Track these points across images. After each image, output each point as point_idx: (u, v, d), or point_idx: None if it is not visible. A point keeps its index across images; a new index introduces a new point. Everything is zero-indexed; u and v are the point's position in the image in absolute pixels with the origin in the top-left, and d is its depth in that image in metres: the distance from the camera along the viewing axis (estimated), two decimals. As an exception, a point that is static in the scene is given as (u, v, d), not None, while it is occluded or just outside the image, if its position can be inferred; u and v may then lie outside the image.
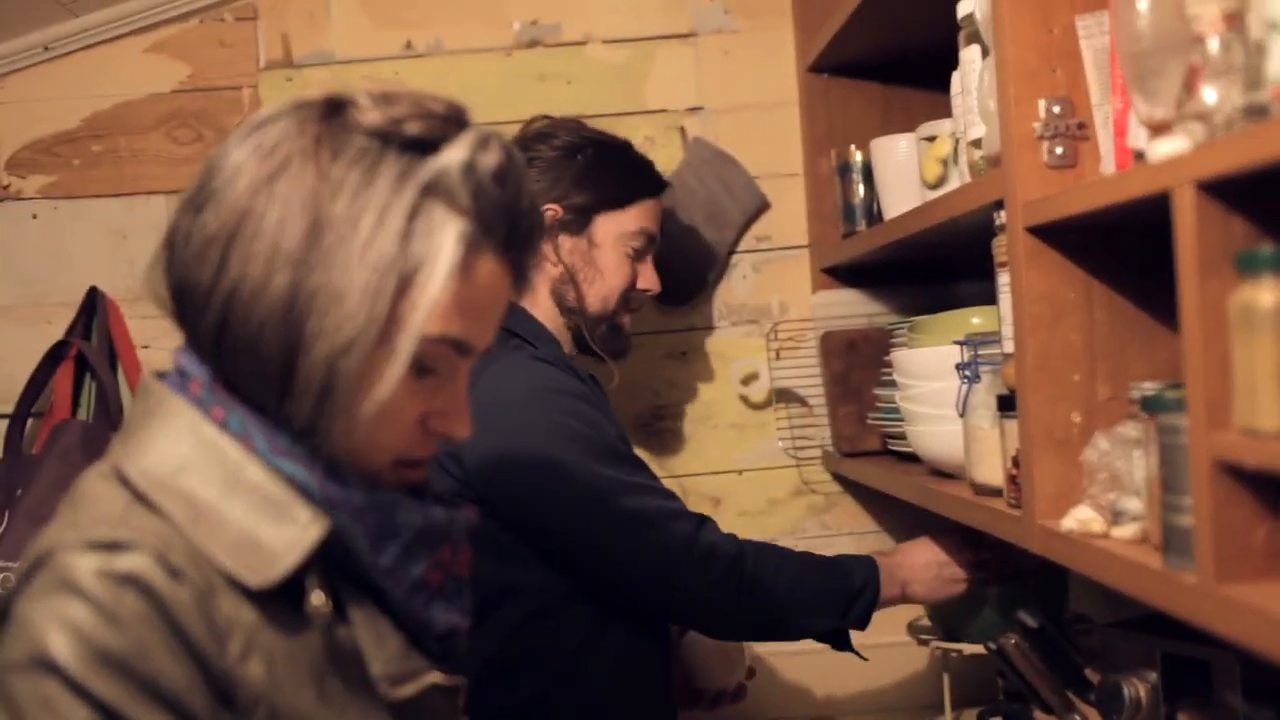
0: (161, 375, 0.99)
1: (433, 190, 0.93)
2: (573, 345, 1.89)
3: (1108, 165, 1.23)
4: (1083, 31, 1.25)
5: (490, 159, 0.95)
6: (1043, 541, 1.28)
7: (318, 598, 0.94)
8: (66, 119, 2.24)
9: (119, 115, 2.25)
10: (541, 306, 1.85)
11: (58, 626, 0.85)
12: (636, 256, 1.89)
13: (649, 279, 1.92)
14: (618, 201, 1.86)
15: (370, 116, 0.94)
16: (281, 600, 0.94)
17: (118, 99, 2.25)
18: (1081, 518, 1.21)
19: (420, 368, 0.96)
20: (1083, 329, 1.28)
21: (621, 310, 1.90)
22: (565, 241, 1.85)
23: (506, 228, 0.97)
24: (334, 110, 0.95)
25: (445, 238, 0.93)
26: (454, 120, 0.97)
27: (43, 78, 2.24)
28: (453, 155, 0.94)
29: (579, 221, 1.86)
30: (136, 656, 0.86)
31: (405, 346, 0.92)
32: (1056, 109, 1.26)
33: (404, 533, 0.98)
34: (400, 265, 0.91)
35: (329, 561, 0.97)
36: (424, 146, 0.94)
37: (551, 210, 1.83)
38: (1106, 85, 1.23)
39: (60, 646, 0.85)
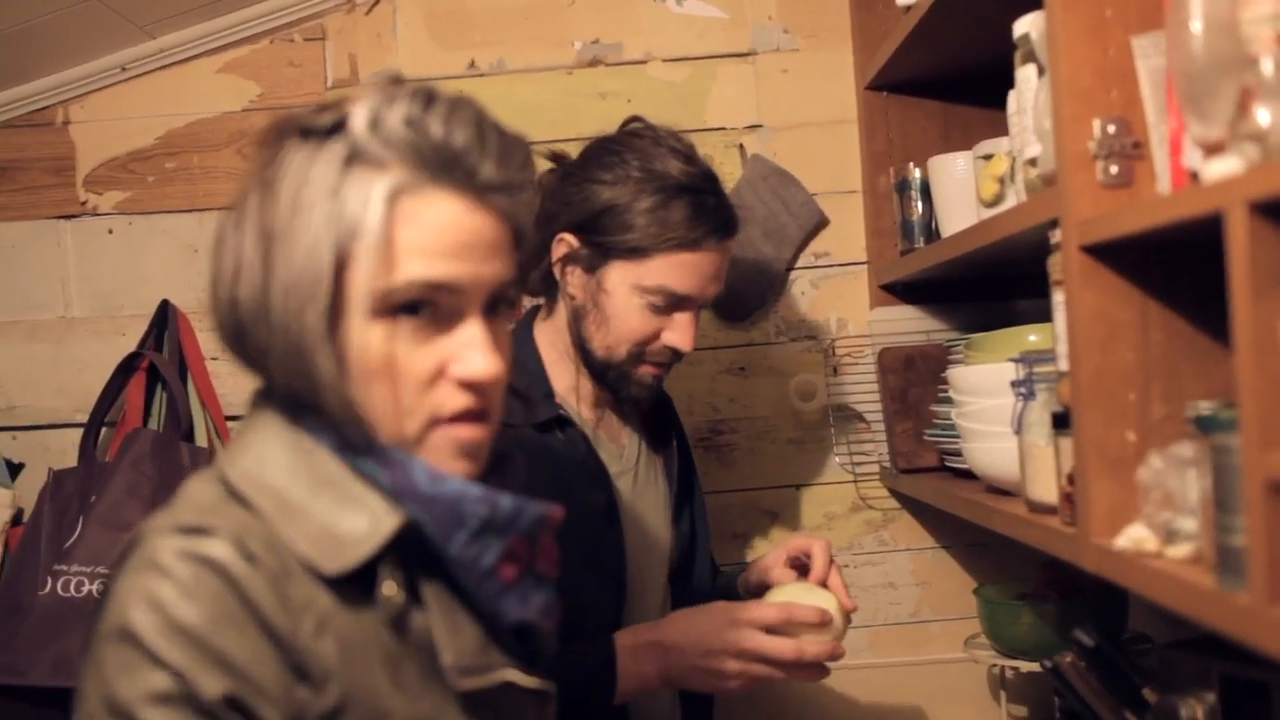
0: (266, 392, 1.08)
1: (353, 159, 0.99)
2: (589, 377, 1.77)
3: (1163, 185, 1.23)
4: (1138, 51, 1.25)
5: (398, 109, 1.00)
6: (1097, 560, 1.28)
7: (390, 587, 1.00)
8: (142, 137, 2.31)
9: (192, 133, 2.31)
10: (560, 332, 1.77)
11: (140, 600, 0.93)
12: (662, 310, 1.70)
13: (679, 337, 1.71)
14: (635, 252, 1.66)
15: (305, 120, 1.02)
16: (357, 588, 1.00)
17: (191, 117, 2.31)
18: (1135, 537, 1.20)
19: (410, 320, 1.00)
20: (1138, 348, 1.28)
21: (633, 362, 1.72)
22: (576, 275, 1.72)
23: (444, 166, 1.00)
24: (276, 130, 1.03)
25: (370, 195, 0.98)
26: (376, 91, 1.03)
27: (120, 97, 2.31)
28: (358, 119, 1.00)
29: (590, 260, 1.70)
30: (209, 628, 0.93)
31: (358, 304, 0.98)
32: (1112, 128, 1.26)
33: (470, 522, 1.01)
34: (335, 235, 0.98)
35: (409, 553, 1.02)
36: (342, 126, 1.01)
37: (564, 241, 1.71)
38: (1162, 105, 1.23)
39: (140, 618, 0.92)
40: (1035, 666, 1.95)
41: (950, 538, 2.31)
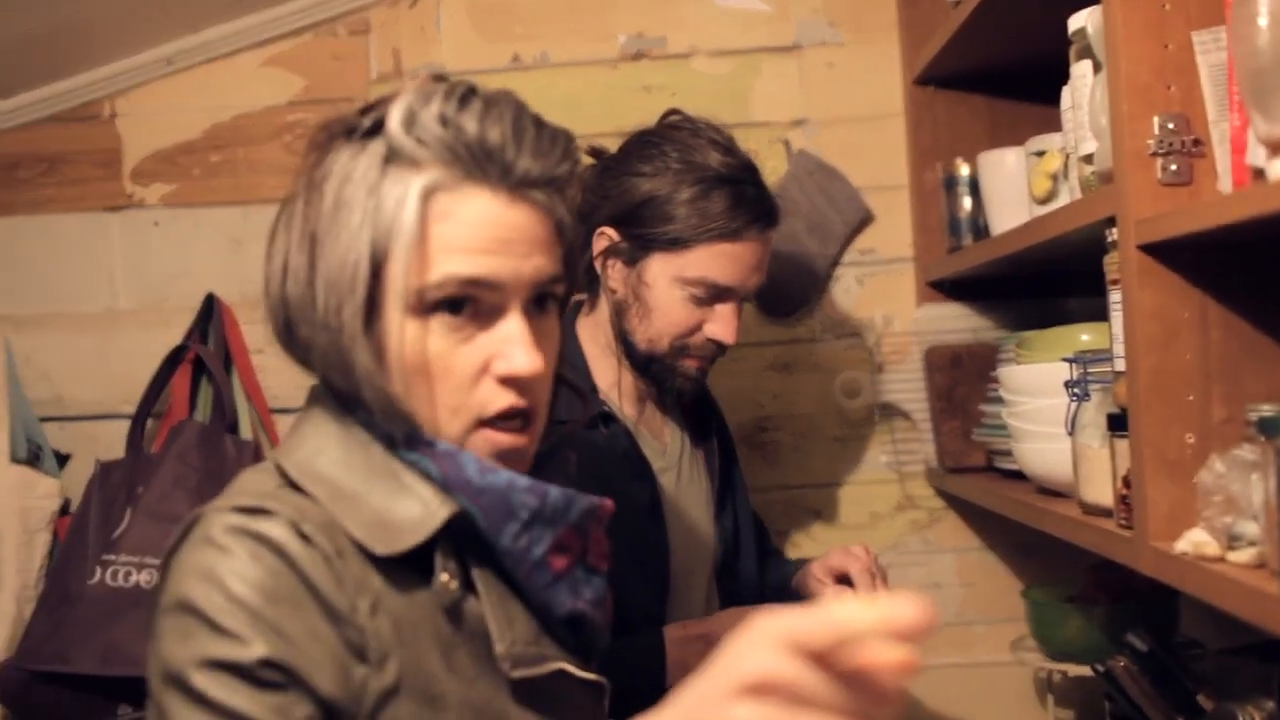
0: (319, 387, 1.09)
1: (391, 157, 1.00)
2: (632, 371, 1.77)
3: (1225, 183, 1.21)
4: (1199, 47, 1.23)
5: (432, 107, 1.01)
6: (1155, 564, 1.26)
7: (444, 576, 1.01)
8: (187, 130, 2.31)
9: (237, 126, 2.31)
10: (602, 326, 1.76)
11: (198, 574, 0.95)
12: (704, 302, 1.70)
13: (721, 329, 1.71)
14: (676, 244, 1.66)
15: (351, 120, 1.03)
16: (409, 571, 1.00)
17: (236, 111, 2.31)
18: (1196, 540, 1.18)
19: (451, 317, 1.00)
20: (1197, 349, 1.26)
21: (676, 355, 1.72)
22: (617, 268, 1.71)
23: (480, 162, 1.00)
24: (324, 131, 1.05)
25: (406, 192, 0.99)
26: (410, 91, 1.03)
27: (166, 91, 2.31)
28: (394, 118, 1.00)
29: (631, 253, 1.70)
30: (266, 601, 0.94)
31: (396, 301, 0.99)
32: (1171, 125, 1.24)
33: (521, 513, 1.02)
34: (373, 233, 0.99)
35: (463, 543, 1.03)
36: (382, 125, 1.02)
37: (604, 235, 1.71)
38: (1224, 101, 1.20)
39: (198, 591, 0.94)
40: (1084, 670, 1.92)
41: (995, 538, 2.28)
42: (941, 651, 2.27)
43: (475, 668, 1.02)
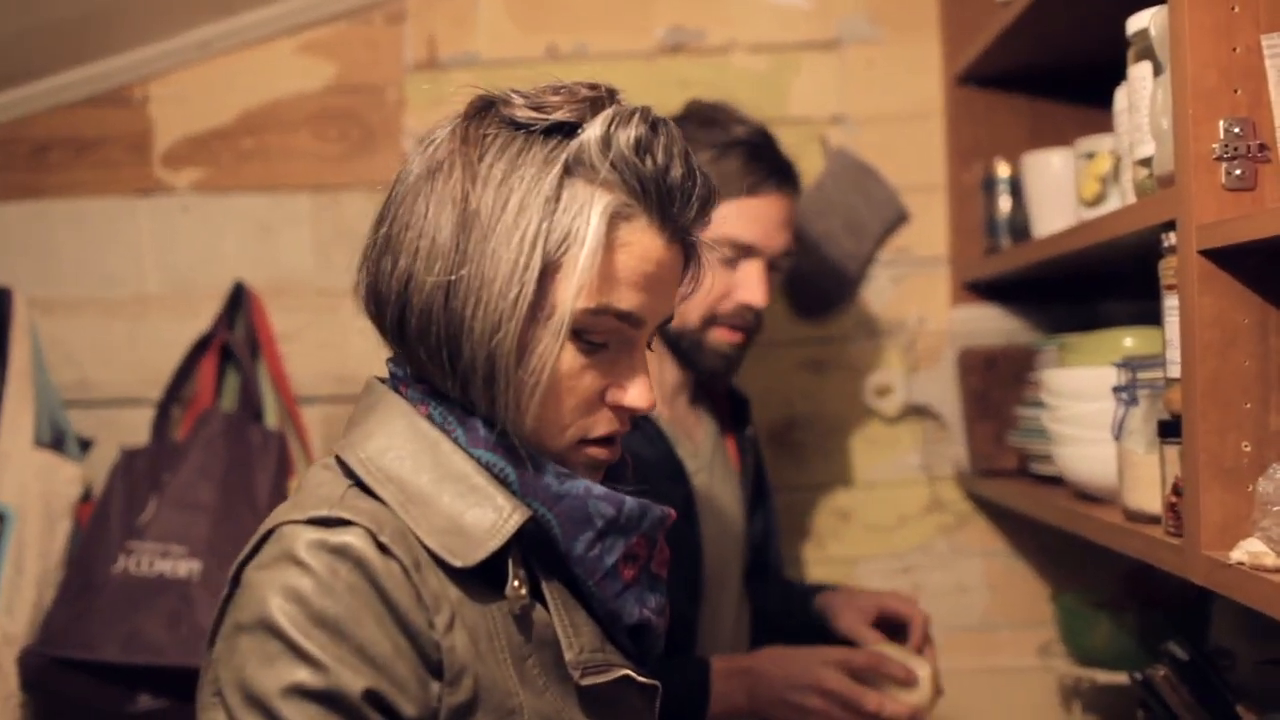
0: (381, 379, 1.07)
1: (574, 168, 0.98)
2: (663, 359, 1.75)
3: (1291, 189, 1.20)
4: (1268, 50, 1.21)
5: (630, 132, 0.99)
6: (1207, 573, 1.24)
7: (516, 583, 0.99)
8: (220, 115, 2.30)
9: (269, 112, 2.30)
10: None
11: (280, 592, 0.93)
12: (730, 265, 1.69)
13: (749, 291, 1.69)
14: None
15: (518, 110, 1.00)
16: (481, 581, 0.99)
17: (269, 97, 2.30)
18: (1252, 550, 1.17)
19: (586, 341, 1.00)
20: (1257, 356, 1.24)
21: (707, 327, 1.71)
22: None
23: (659, 198, 1.00)
24: (483, 109, 1.02)
25: (590, 212, 0.98)
26: (597, 101, 1.01)
27: (198, 75, 2.30)
28: (591, 132, 0.99)
29: None
30: (349, 621, 0.92)
31: (559, 320, 0.97)
32: (1237, 130, 1.22)
33: (596, 521, 1.01)
34: (545, 243, 0.96)
35: (530, 548, 1.02)
36: (567, 129, 0.99)
37: None
38: (1293, 106, 1.19)
39: (280, 611, 0.92)
40: (1115, 678, 1.91)
41: (1024, 543, 2.27)
42: (965, 655, 2.26)
43: (544, 677, 1.01)
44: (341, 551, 0.94)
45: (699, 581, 1.73)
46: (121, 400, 2.29)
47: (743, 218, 1.68)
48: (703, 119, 1.73)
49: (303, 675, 0.90)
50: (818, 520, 2.28)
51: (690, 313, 1.69)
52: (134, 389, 2.29)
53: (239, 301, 2.26)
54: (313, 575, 0.93)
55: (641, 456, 1.66)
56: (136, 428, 2.23)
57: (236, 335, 2.24)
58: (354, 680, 0.91)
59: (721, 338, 1.72)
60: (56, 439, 2.17)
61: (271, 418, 2.21)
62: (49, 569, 2.07)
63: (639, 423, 1.67)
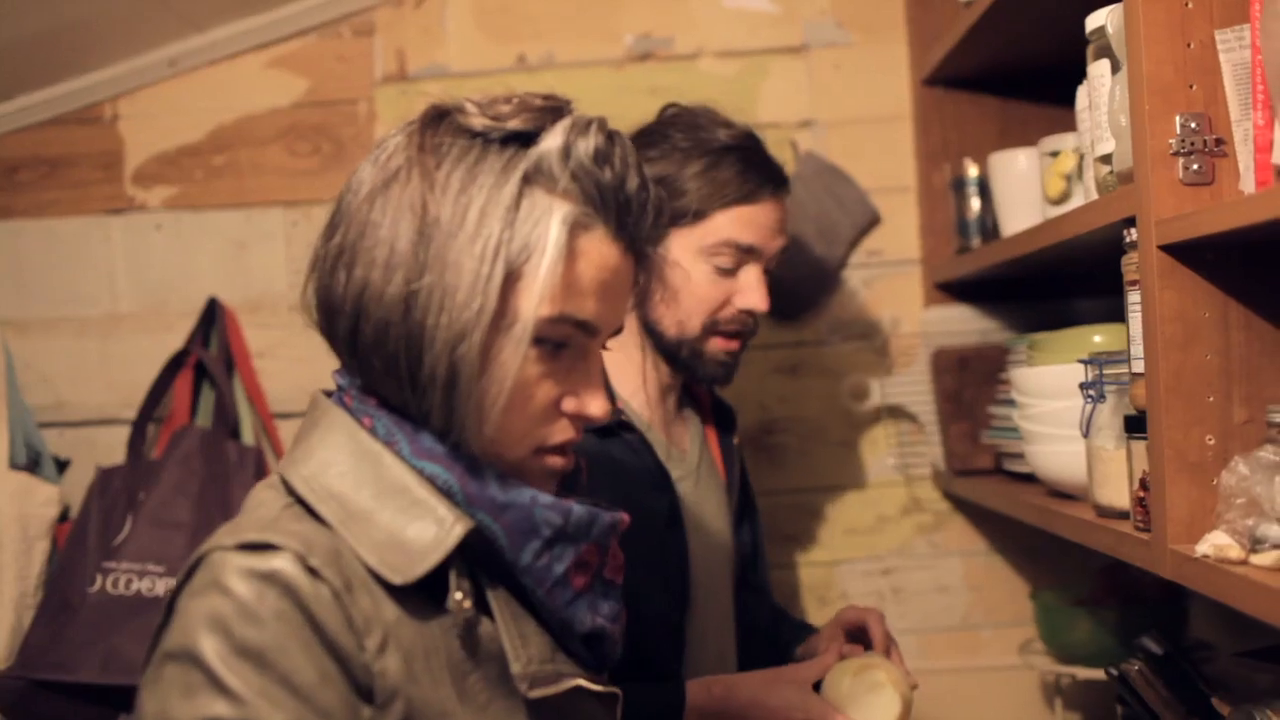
0: (327, 393, 1.06)
1: (533, 178, 0.98)
2: (658, 364, 1.74)
3: (1247, 183, 1.20)
4: (1222, 46, 1.22)
5: (589, 141, 0.99)
6: (1175, 567, 1.24)
7: (458, 596, 0.98)
8: (190, 132, 2.30)
9: (240, 129, 2.30)
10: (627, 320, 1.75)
11: (204, 622, 0.91)
12: (729, 272, 1.69)
13: (749, 296, 1.69)
14: (693, 215, 1.66)
15: (473, 119, 0.99)
16: (423, 597, 0.98)
17: (239, 113, 2.30)
18: (1218, 543, 1.17)
19: (546, 349, 1.00)
20: (1218, 350, 1.25)
21: (707, 334, 1.70)
22: None
23: (616, 208, 1.01)
24: (438, 118, 1.01)
25: (550, 221, 0.97)
26: (553, 111, 1.01)
27: (168, 93, 2.30)
28: (550, 142, 0.98)
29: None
30: (274, 650, 0.90)
31: (521, 329, 0.97)
32: (1193, 125, 1.23)
33: (544, 530, 1.00)
34: (507, 252, 0.96)
35: (474, 560, 1.01)
36: (524, 139, 0.99)
37: None
38: (1247, 101, 1.20)
39: (204, 641, 0.90)
40: (1094, 674, 1.92)
41: (1003, 542, 2.27)
42: (947, 655, 2.26)
43: (488, 692, 1.00)
44: (269, 578, 0.92)
45: (687, 589, 1.72)
46: (97, 420, 2.29)
47: (740, 223, 1.68)
48: (687, 124, 1.72)
49: (220, 709, 0.88)
50: (796, 523, 2.28)
51: (691, 321, 1.68)
52: (109, 408, 2.28)
53: (213, 318, 2.26)
54: (238, 603, 0.91)
55: (625, 463, 1.66)
56: (113, 447, 2.23)
57: (211, 352, 2.23)
58: (273, 713, 0.89)
59: (720, 347, 1.72)
60: (32, 460, 2.16)
61: (248, 434, 2.20)
62: (27, 591, 2.06)
63: (623, 429, 1.68)
